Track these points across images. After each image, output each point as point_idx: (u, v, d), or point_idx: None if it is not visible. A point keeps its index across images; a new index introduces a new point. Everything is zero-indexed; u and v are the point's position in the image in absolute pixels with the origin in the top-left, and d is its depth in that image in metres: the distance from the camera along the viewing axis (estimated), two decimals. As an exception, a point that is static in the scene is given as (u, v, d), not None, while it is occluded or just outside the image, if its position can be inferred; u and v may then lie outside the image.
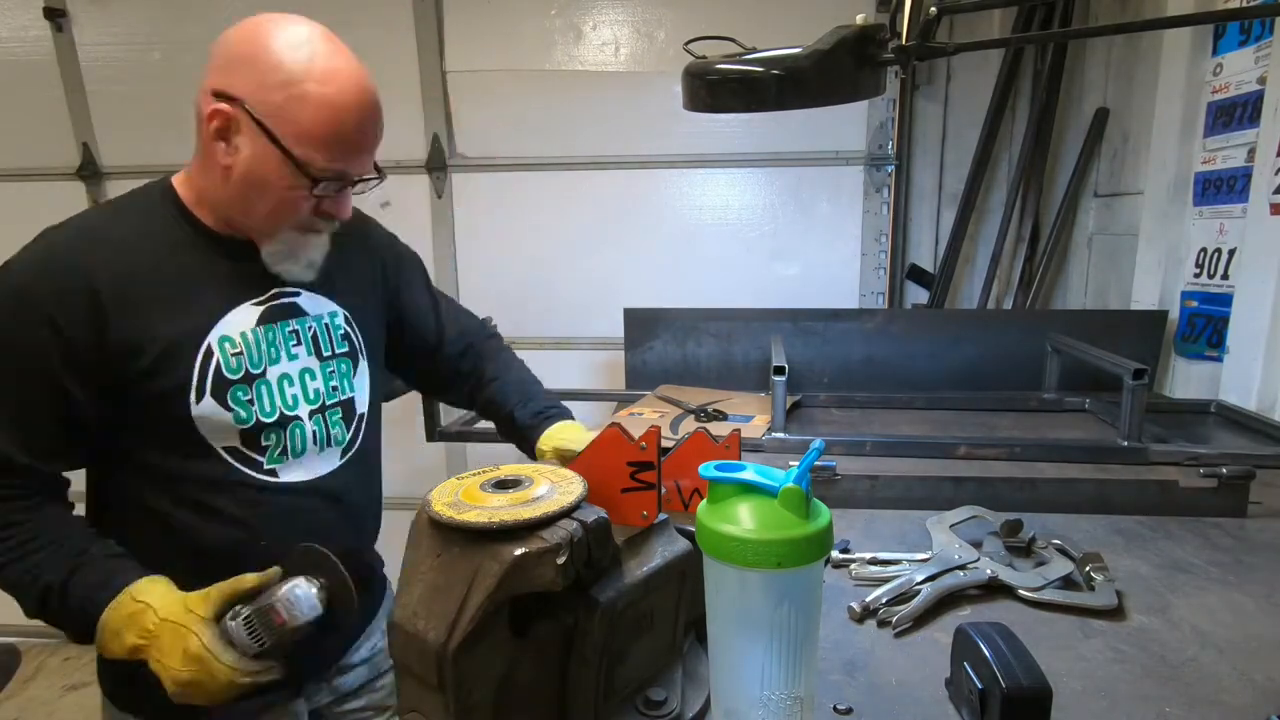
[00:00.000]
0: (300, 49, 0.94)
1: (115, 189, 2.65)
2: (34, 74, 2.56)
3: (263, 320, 1.01)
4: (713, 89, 0.98)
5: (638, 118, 2.47)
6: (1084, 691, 0.75)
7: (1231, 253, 1.75)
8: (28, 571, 0.90)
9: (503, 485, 0.67)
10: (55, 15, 2.50)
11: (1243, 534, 1.11)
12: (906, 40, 0.90)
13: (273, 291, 1.03)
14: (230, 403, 0.97)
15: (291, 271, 1.02)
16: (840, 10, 2.05)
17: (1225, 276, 1.77)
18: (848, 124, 2.44)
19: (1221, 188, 1.78)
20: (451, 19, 2.46)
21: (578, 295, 2.59)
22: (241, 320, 0.99)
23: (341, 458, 1.09)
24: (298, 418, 1.03)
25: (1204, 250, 1.84)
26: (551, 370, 2.61)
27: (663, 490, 0.74)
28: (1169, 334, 1.93)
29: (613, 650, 0.68)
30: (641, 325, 2.09)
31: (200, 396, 0.95)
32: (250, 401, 0.98)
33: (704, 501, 0.63)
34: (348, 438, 1.10)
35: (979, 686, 0.67)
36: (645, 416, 1.68)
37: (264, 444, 1.00)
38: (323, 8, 2.44)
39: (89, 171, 2.61)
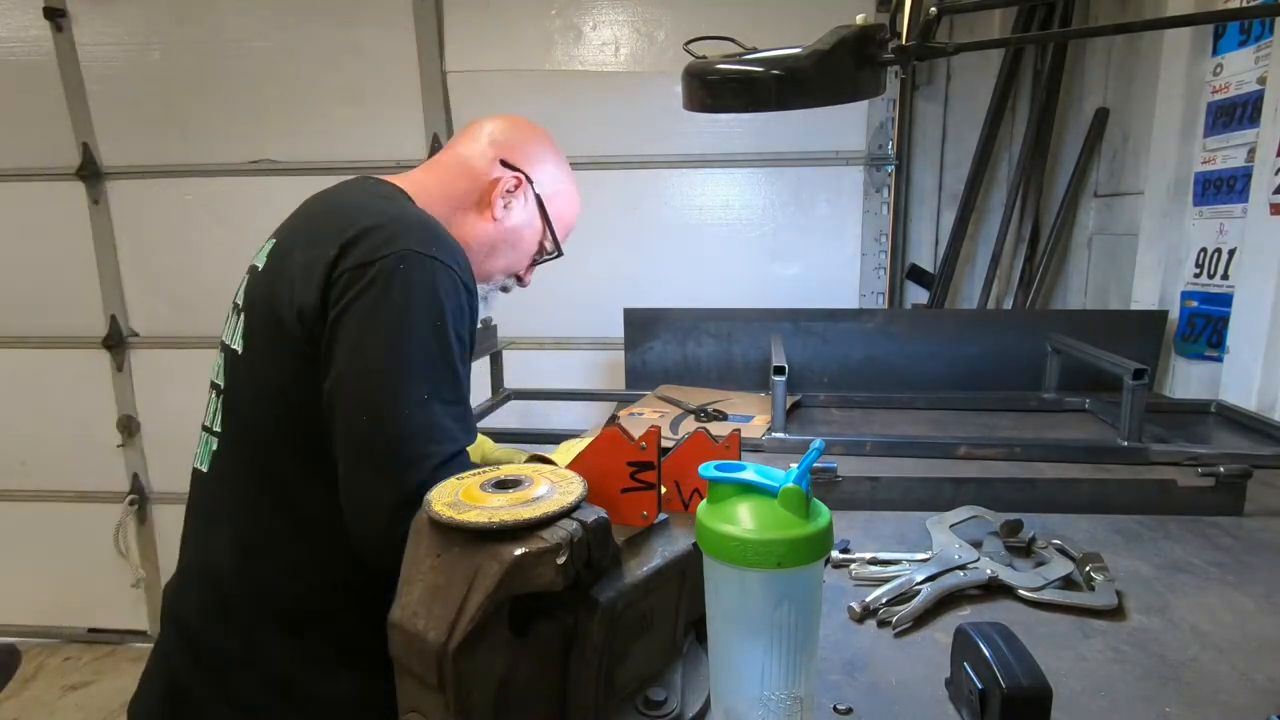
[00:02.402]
0: (564, 159, 1.21)
1: (115, 189, 2.65)
2: (34, 74, 2.56)
3: None
4: (713, 89, 0.98)
5: (638, 118, 2.47)
6: (1084, 691, 0.75)
7: (1231, 253, 1.75)
8: None
9: (503, 485, 0.67)
10: (55, 15, 2.50)
11: (1242, 533, 1.11)
12: (906, 40, 0.90)
13: None
14: None
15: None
16: (840, 10, 2.05)
17: (1225, 276, 1.77)
18: (848, 124, 2.44)
19: (1221, 188, 1.78)
20: (451, 19, 2.46)
21: (578, 295, 2.58)
22: None
23: None
24: None
25: (1204, 250, 1.84)
26: (551, 370, 2.63)
27: (663, 490, 0.74)
28: (1169, 334, 1.93)
29: (613, 650, 0.68)
30: (641, 325, 2.09)
31: None
32: None
33: (704, 501, 0.63)
34: None
35: (979, 686, 0.67)
36: (645, 416, 1.68)
37: None
38: (323, 7, 2.46)
39: (89, 171, 2.61)
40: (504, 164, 1.13)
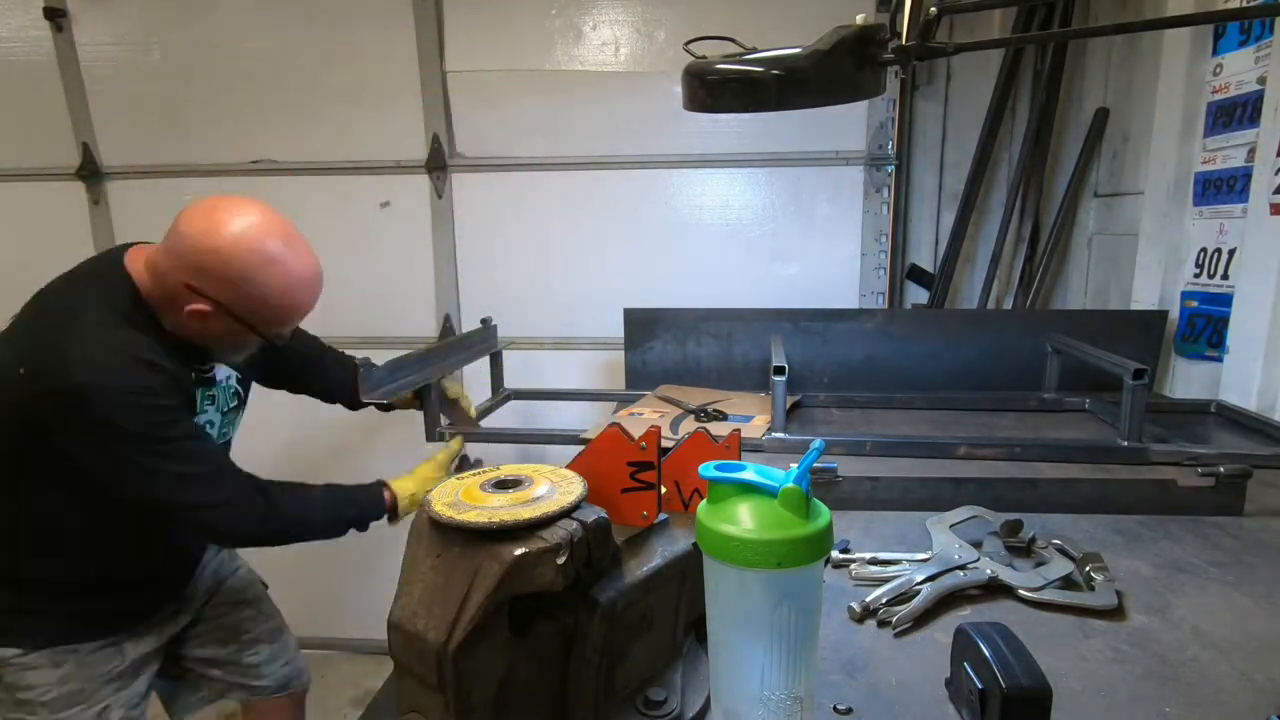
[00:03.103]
0: (264, 258, 1.17)
1: (115, 189, 2.65)
2: (34, 74, 2.56)
3: (197, 384, 1.33)
4: (713, 89, 0.98)
5: (638, 118, 2.46)
6: (1084, 691, 0.75)
7: (1231, 253, 1.75)
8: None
9: (503, 485, 0.67)
10: (55, 15, 2.50)
11: (1242, 533, 1.11)
12: (906, 40, 0.90)
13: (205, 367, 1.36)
14: None
15: (228, 364, 1.37)
16: (840, 10, 2.04)
17: (1225, 276, 1.77)
18: (848, 124, 2.43)
19: (1221, 188, 1.78)
20: (451, 19, 2.46)
21: (578, 295, 2.58)
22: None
23: None
24: None
25: (1204, 250, 1.84)
26: (551, 370, 2.63)
27: (663, 490, 0.74)
28: (1169, 334, 1.93)
29: (613, 650, 0.68)
30: (641, 325, 2.09)
31: None
32: None
33: (704, 501, 0.63)
34: None
35: (979, 686, 0.67)
36: (645, 416, 1.68)
37: None
38: (323, 7, 2.46)
39: (89, 171, 2.61)
40: (191, 289, 1.17)
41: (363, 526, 1.41)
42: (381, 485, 1.45)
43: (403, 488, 1.47)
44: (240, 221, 1.17)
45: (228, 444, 1.47)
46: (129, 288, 1.21)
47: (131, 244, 1.31)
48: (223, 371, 1.40)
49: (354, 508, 1.40)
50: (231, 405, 1.44)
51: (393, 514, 1.45)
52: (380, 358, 1.56)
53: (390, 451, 2.05)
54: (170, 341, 1.23)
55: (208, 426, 1.37)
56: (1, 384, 1.16)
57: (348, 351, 1.74)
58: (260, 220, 1.18)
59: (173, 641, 1.50)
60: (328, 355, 1.70)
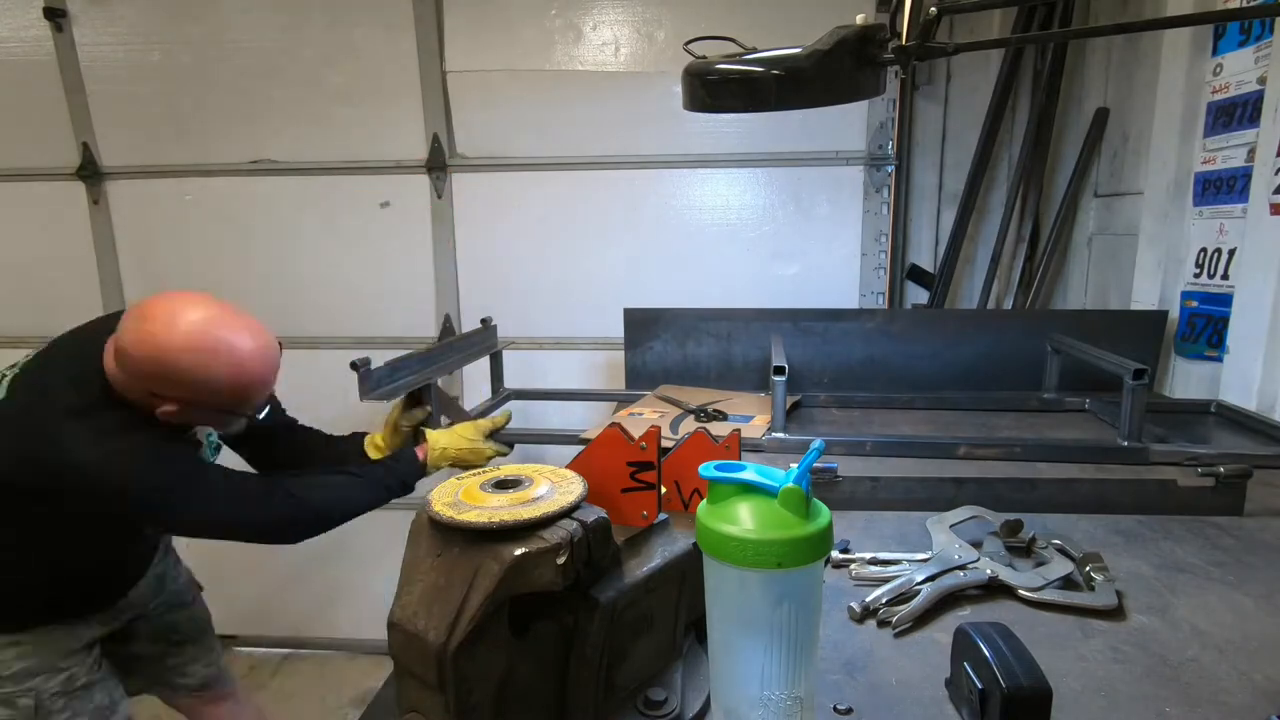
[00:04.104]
0: (209, 354, 1.22)
1: (115, 189, 2.65)
2: (34, 74, 2.56)
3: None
4: (713, 89, 0.98)
5: (638, 118, 2.47)
6: (1084, 691, 0.75)
7: (1231, 253, 1.75)
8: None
9: (503, 485, 0.67)
10: (55, 15, 2.50)
11: (1242, 533, 1.11)
12: (906, 40, 0.90)
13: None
14: None
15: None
16: (840, 10, 2.05)
17: (1225, 276, 1.77)
18: (848, 124, 2.43)
19: (1221, 188, 1.78)
20: (451, 19, 2.46)
21: (578, 295, 2.58)
22: None
23: None
24: None
25: (1204, 250, 1.84)
26: (552, 370, 2.63)
27: (663, 490, 0.74)
28: (1169, 334, 1.93)
29: (613, 650, 0.68)
30: (641, 325, 2.09)
31: None
32: None
33: (704, 501, 0.63)
34: None
35: (979, 686, 0.67)
36: (645, 416, 1.68)
37: None
38: (323, 7, 2.46)
39: (89, 171, 2.61)
40: (153, 394, 1.24)
41: (402, 489, 1.51)
42: (413, 451, 1.55)
43: (436, 440, 1.54)
44: (177, 324, 1.21)
45: None
46: (102, 384, 1.27)
47: (109, 328, 1.30)
48: (205, 430, 1.49)
49: (389, 476, 1.50)
50: (215, 449, 1.56)
51: (424, 467, 1.53)
52: (380, 358, 1.56)
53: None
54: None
55: None
56: None
57: (348, 351, 1.74)
58: (197, 316, 1.22)
59: (113, 636, 1.56)
60: (313, 435, 1.71)
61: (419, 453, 1.54)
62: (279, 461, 1.62)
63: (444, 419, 1.71)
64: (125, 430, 1.23)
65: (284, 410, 1.68)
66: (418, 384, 1.62)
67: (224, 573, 2.17)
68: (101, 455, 1.19)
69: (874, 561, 0.99)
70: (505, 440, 1.66)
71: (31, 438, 1.21)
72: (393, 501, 1.52)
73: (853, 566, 0.99)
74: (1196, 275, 1.87)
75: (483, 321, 2.04)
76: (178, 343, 1.20)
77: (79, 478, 1.19)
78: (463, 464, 1.56)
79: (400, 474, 1.51)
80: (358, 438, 1.68)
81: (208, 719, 1.78)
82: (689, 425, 1.62)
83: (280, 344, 1.34)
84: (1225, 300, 1.73)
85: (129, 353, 1.21)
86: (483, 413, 1.88)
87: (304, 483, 1.42)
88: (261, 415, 1.39)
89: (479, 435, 1.59)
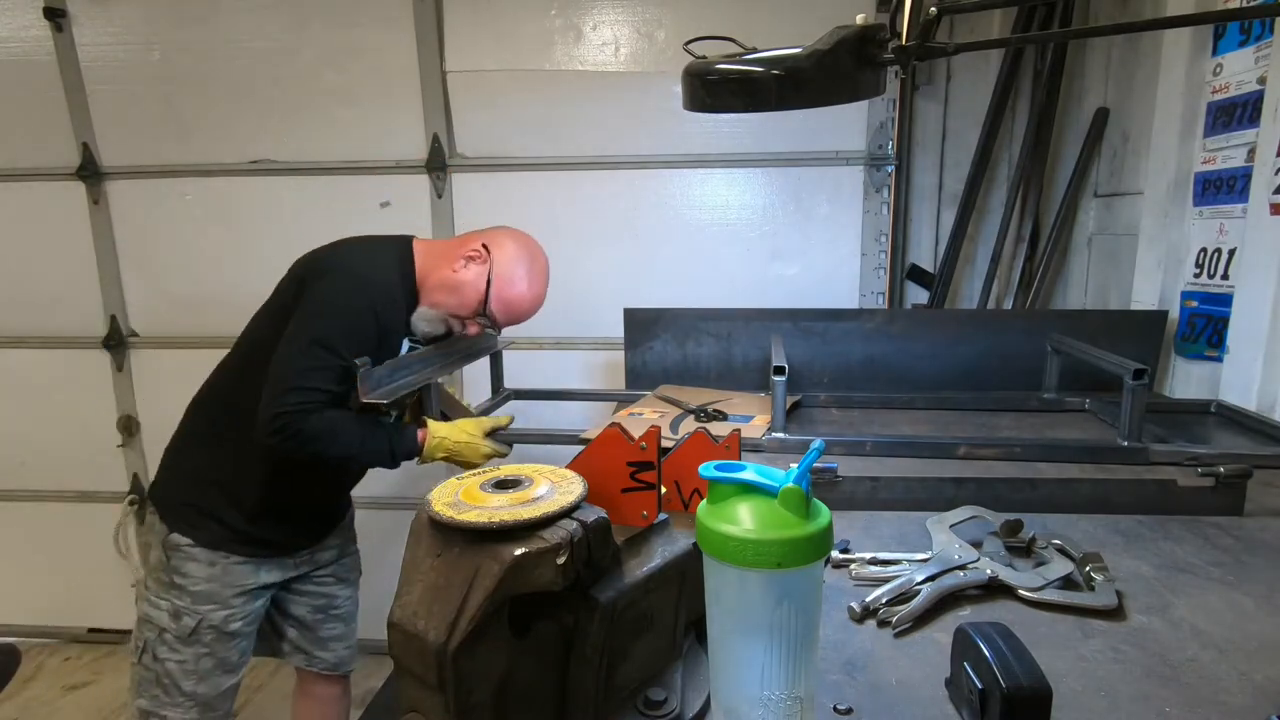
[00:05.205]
0: (534, 273, 1.63)
1: (115, 189, 2.65)
2: (34, 74, 2.56)
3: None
4: (713, 89, 0.98)
5: (638, 118, 2.46)
6: (1084, 691, 0.75)
7: (1231, 253, 1.75)
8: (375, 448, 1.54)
9: (503, 485, 0.67)
10: (55, 15, 2.50)
11: (1242, 533, 1.11)
12: (906, 40, 0.90)
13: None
14: None
15: (418, 329, 1.63)
16: (840, 10, 2.05)
17: (1225, 276, 1.77)
18: (848, 124, 2.43)
19: (1221, 188, 1.78)
20: (451, 19, 2.46)
21: (578, 295, 2.58)
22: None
23: None
24: None
25: (1204, 250, 1.84)
26: (552, 370, 2.63)
27: (663, 490, 0.74)
28: (1169, 334, 1.93)
29: (613, 650, 0.68)
30: (641, 325, 2.09)
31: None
32: None
33: (704, 501, 0.63)
34: None
35: (979, 686, 0.67)
36: (645, 416, 1.68)
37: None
38: (323, 7, 2.46)
39: (89, 171, 2.61)
40: (484, 247, 1.60)
41: (393, 460, 1.56)
42: (415, 430, 1.60)
43: (436, 429, 1.59)
44: (534, 244, 1.67)
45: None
46: (409, 254, 1.62)
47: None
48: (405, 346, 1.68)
49: (387, 439, 1.55)
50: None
51: (420, 450, 1.58)
52: (380, 358, 1.56)
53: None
54: (412, 303, 1.59)
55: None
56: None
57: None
58: (540, 253, 1.67)
59: (283, 586, 1.75)
60: None
61: (420, 434, 1.58)
62: None
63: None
64: (391, 271, 1.58)
65: None
66: (418, 384, 1.62)
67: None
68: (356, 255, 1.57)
69: (874, 561, 0.99)
70: (505, 440, 1.66)
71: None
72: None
73: (853, 566, 0.99)
74: (1196, 275, 1.87)
75: (483, 321, 2.03)
76: (528, 243, 1.66)
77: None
78: (459, 458, 1.58)
79: (402, 445, 1.56)
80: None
81: (317, 697, 1.93)
82: (689, 425, 1.62)
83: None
84: (1225, 300, 1.73)
85: (509, 231, 1.66)
86: (484, 412, 1.88)
87: (333, 417, 1.49)
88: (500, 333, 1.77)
89: (479, 432, 1.61)
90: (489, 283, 1.56)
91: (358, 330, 1.47)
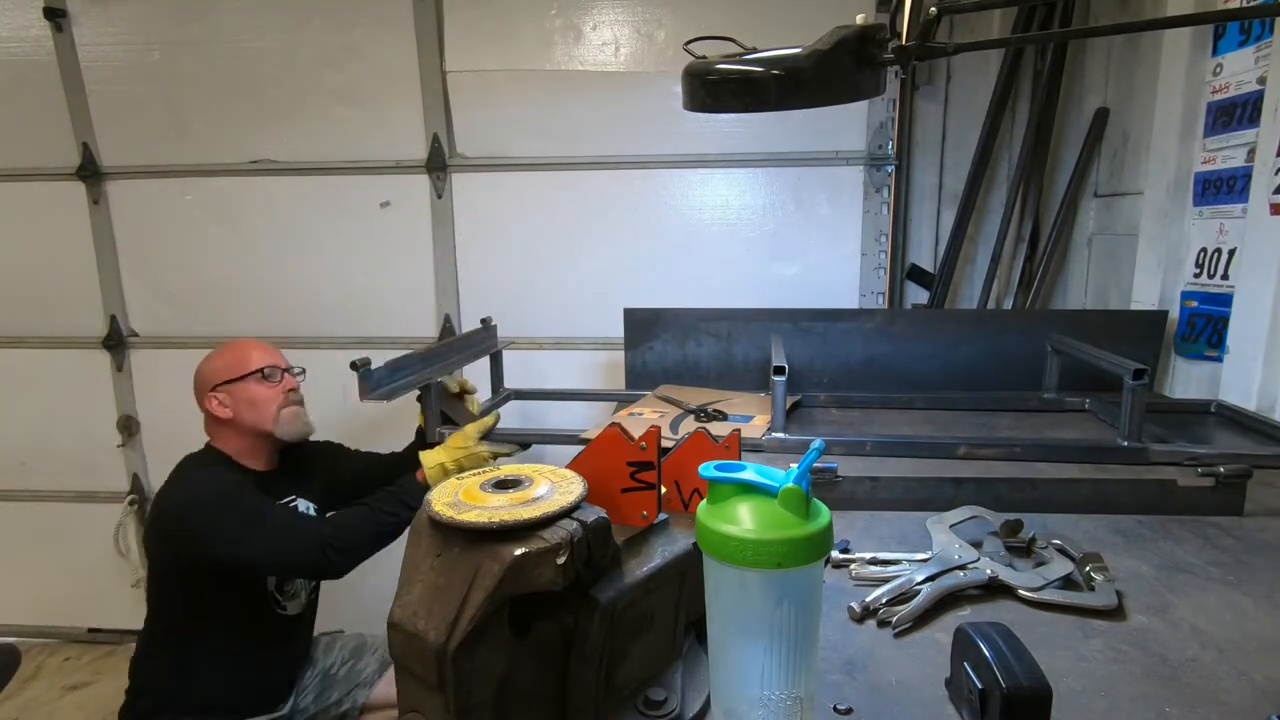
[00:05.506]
0: (216, 358, 1.78)
1: (115, 189, 2.65)
2: (34, 74, 2.56)
3: None
4: (713, 89, 0.98)
5: (638, 118, 2.47)
6: (1084, 691, 0.75)
7: (1231, 253, 1.75)
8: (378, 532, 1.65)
9: (503, 485, 0.67)
10: (55, 15, 2.50)
11: (1242, 533, 1.11)
12: (906, 40, 0.90)
13: (286, 499, 1.82)
14: None
15: (298, 431, 1.80)
16: (840, 10, 2.05)
17: (1225, 277, 1.77)
18: (848, 124, 2.44)
19: (1221, 188, 1.78)
20: (451, 19, 2.46)
21: (578, 295, 2.59)
22: None
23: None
24: None
25: (1204, 250, 1.84)
26: (552, 370, 2.63)
27: (663, 490, 0.74)
28: (1169, 334, 1.93)
29: (613, 650, 0.68)
30: (641, 325, 2.09)
31: None
32: None
33: (704, 501, 0.63)
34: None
35: (979, 686, 0.67)
36: (645, 416, 1.68)
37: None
38: (323, 7, 2.46)
39: (89, 171, 2.61)
40: (206, 402, 1.75)
41: (410, 508, 1.63)
42: (413, 475, 1.68)
43: (431, 458, 1.63)
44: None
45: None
46: (209, 448, 1.79)
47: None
48: (303, 504, 1.83)
49: (391, 497, 1.66)
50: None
51: (426, 485, 1.64)
52: (380, 358, 1.56)
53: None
54: (254, 476, 1.74)
55: None
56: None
57: (348, 351, 1.77)
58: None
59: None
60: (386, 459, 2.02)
61: (419, 475, 1.65)
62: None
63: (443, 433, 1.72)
64: (215, 468, 1.72)
65: (353, 452, 2.05)
66: (418, 384, 1.62)
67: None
68: (191, 486, 1.66)
69: (874, 561, 0.99)
70: (506, 440, 1.66)
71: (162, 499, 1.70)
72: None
73: (853, 566, 0.99)
74: (1196, 275, 1.87)
75: (483, 321, 2.04)
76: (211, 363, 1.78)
77: (172, 506, 1.64)
78: (463, 470, 1.61)
79: (405, 496, 1.66)
80: (412, 449, 1.91)
81: None
82: (689, 425, 1.62)
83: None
84: (1225, 300, 1.73)
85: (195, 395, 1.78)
86: (483, 413, 1.88)
87: (334, 525, 1.65)
88: (298, 374, 1.83)
89: (469, 441, 1.62)
90: (230, 384, 1.73)
91: (238, 494, 1.63)
